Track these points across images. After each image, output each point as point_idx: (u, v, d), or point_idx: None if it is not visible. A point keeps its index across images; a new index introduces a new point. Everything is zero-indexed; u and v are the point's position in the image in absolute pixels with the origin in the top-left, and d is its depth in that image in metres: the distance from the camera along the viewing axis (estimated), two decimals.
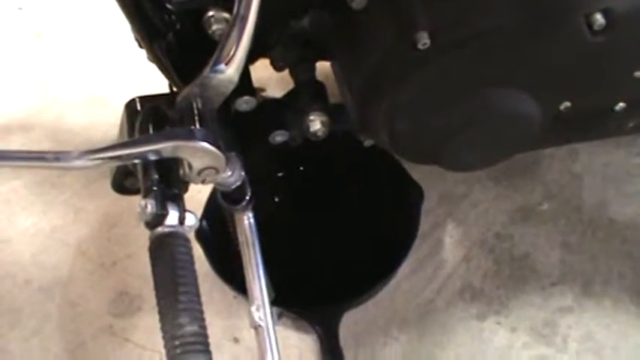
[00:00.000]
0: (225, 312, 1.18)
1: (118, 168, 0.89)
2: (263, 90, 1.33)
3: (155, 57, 0.86)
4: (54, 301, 1.22)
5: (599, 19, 0.78)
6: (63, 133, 1.46)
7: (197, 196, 1.14)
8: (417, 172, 1.19)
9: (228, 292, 1.17)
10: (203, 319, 0.70)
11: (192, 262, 0.74)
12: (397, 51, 0.82)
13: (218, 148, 0.77)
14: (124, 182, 0.91)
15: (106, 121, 1.42)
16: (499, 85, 0.85)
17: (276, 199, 1.29)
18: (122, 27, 0.84)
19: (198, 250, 1.09)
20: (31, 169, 1.34)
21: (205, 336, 0.69)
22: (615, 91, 0.93)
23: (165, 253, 0.73)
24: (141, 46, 0.87)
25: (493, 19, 0.79)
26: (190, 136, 0.76)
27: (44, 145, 1.43)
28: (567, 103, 0.90)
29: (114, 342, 1.17)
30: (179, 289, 0.70)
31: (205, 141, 0.75)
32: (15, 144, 1.44)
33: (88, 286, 1.24)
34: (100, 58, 1.58)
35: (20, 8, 1.74)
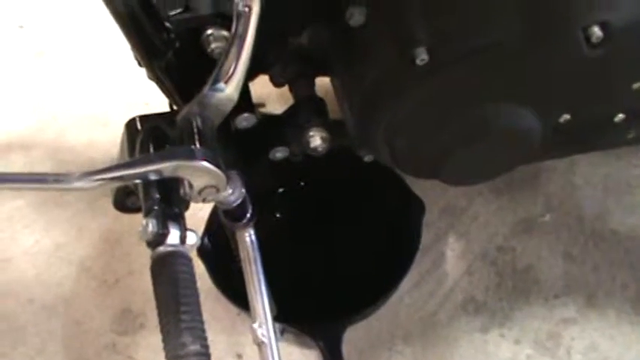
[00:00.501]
0: (229, 329, 1.18)
1: (120, 187, 0.89)
2: (263, 105, 1.33)
3: (155, 76, 0.86)
4: (57, 320, 1.22)
5: (596, 32, 0.78)
6: (64, 151, 1.46)
7: (198, 213, 1.14)
8: (418, 185, 1.20)
9: (231, 309, 1.17)
10: (205, 338, 0.70)
11: (194, 281, 0.74)
12: (396, 67, 0.82)
13: (218, 166, 0.77)
14: (125, 201, 0.91)
15: (107, 139, 1.42)
16: (498, 99, 0.85)
17: (278, 215, 1.29)
18: (122, 46, 0.84)
19: (200, 267, 1.09)
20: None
21: (208, 355, 0.69)
22: (614, 102, 0.93)
23: (167, 272, 0.73)
24: (141, 65, 0.88)
25: (491, 34, 0.80)
26: (190, 156, 0.76)
27: (45, 164, 1.43)
28: (567, 116, 0.90)
29: None
30: (181, 308, 0.70)
31: (205, 160, 0.76)
32: (15, 162, 1.44)
33: (91, 304, 1.24)
34: (101, 77, 1.58)
35: (21, 26, 1.74)
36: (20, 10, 1.77)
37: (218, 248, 1.13)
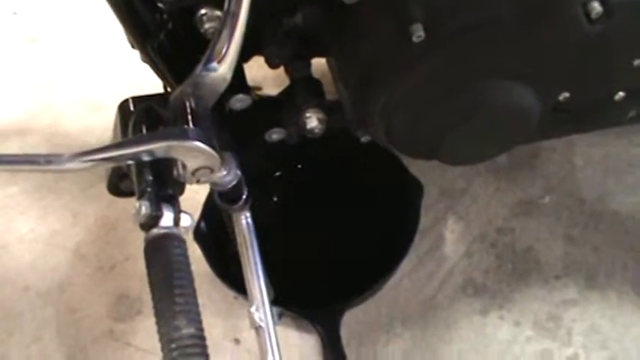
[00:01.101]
0: (226, 313, 1.17)
1: (113, 170, 0.88)
2: (259, 89, 1.32)
3: (148, 57, 0.85)
4: (53, 307, 1.21)
5: (596, 7, 0.77)
6: (59, 137, 1.45)
7: (195, 197, 1.13)
8: (417, 167, 1.19)
9: (228, 293, 1.16)
10: (200, 321, 0.69)
11: (188, 264, 0.73)
12: (392, 45, 0.81)
13: (212, 147, 0.76)
14: (119, 185, 0.90)
15: (102, 124, 1.41)
16: (496, 76, 0.84)
17: (274, 198, 1.28)
18: (116, 30, 0.83)
19: (197, 251, 1.08)
20: (28, 174, 1.33)
21: (203, 338, 0.68)
22: (614, 80, 0.92)
23: (161, 254, 0.72)
24: (134, 47, 0.87)
25: (489, 9, 0.79)
26: (183, 136, 0.75)
27: (41, 149, 1.42)
28: (566, 94, 0.89)
29: (115, 346, 1.16)
30: (175, 291, 0.69)
31: (198, 140, 0.75)
32: (11, 148, 1.43)
33: (87, 291, 1.23)
34: (95, 62, 1.58)
35: (15, 13, 1.73)
36: None
37: (214, 232, 1.12)
